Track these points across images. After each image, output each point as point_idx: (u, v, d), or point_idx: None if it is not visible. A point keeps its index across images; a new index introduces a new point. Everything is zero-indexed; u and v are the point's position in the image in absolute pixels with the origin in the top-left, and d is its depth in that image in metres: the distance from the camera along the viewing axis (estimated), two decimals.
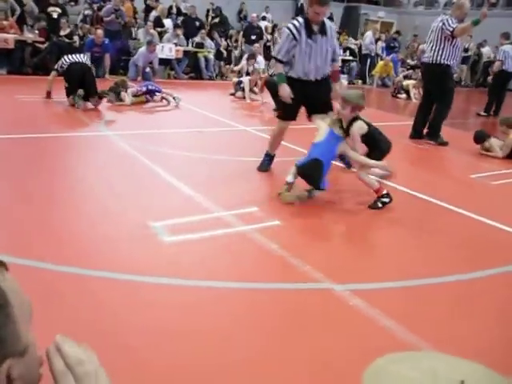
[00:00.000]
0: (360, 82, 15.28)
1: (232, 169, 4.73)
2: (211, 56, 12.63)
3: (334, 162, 4.15)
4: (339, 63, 4.59)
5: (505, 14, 16.79)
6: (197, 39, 12.64)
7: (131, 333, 2.06)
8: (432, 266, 2.99)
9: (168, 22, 12.94)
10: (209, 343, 2.04)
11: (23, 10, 10.72)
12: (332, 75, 4.55)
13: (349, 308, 2.40)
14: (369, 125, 3.99)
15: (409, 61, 15.50)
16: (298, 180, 3.90)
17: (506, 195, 4.63)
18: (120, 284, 2.47)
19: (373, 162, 3.94)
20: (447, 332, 2.28)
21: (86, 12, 12.19)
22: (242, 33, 14.22)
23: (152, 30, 11.96)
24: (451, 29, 6.20)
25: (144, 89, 8.02)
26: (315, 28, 4.22)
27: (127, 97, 7.72)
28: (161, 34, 12.24)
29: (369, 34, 15.37)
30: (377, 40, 15.64)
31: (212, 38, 13.26)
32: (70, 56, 7.22)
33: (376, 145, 4.01)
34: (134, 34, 12.54)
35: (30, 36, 10.34)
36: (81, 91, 6.95)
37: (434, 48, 6.44)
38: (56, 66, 7.24)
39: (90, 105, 7.13)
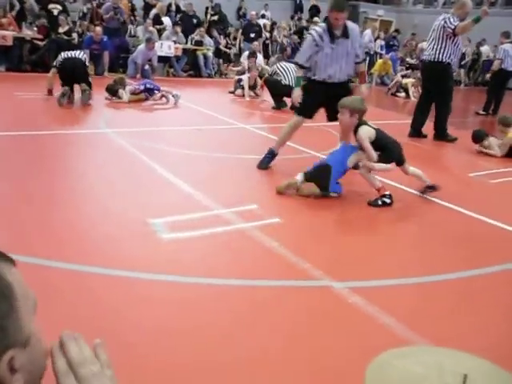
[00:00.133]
0: (357, 80, 15.26)
1: (231, 166, 4.73)
2: (210, 54, 12.61)
3: None
4: (363, 66, 4.72)
5: (504, 13, 16.80)
6: (196, 37, 12.62)
7: (130, 330, 2.06)
8: (431, 263, 3.00)
9: (167, 20, 12.92)
10: (208, 340, 2.04)
11: (23, 6, 10.69)
12: (359, 77, 4.70)
13: (348, 305, 2.41)
14: (375, 128, 3.93)
15: (408, 59, 15.51)
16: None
17: (504, 193, 4.65)
18: (119, 281, 2.47)
19: (383, 166, 3.92)
20: (447, 329, 2.29)
21: (85, 9, 12.16)
22: (240, 31, 14.21)
23: (151, 28, 11.94)
24: (453, 26, 6.22)
25: (142, 87, 8.00)
26: (337, 32, 4.31)
27: (125, 94, 7.71)
28: (160, 32, 12.22)
29: (368, 33, 15.35)
30: (376, 38, 15.64)
31: (211, 36, 13.24)
32: (65, 53, 7.24)
33: (385, 147, 3.93)
34: (132, 32, 12.52)
35: (28, 33, 10.32)
36: (65, 89, 6.93)
37: (435, 46, 6.46)
38: (54, 63, 7.24)
39: (81, 102, 7.04)
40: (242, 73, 10.60)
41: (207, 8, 14.73)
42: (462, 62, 15.45)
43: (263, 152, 4.80)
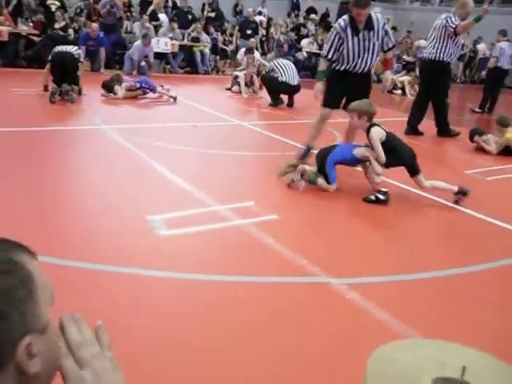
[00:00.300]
0: None
1: (228, 163, 4.73)
2: (207, 50, 12.58)
3: None
4: (390, 53, 4.81)
5: (501, 12, 16.82)
6: (192, 33, 12.59)
7: (127, 327, 2.06)
8: (427, 259, 3.01)
9: (163, 16, 12.88)
10: (206, 337, 2.05)
11: (21, 2, 10.64)
12: (385, 63, 4.84)
13: (345, 301, 2.42)
14: (387, 131, 3.99)
15: (404, 57, 15.51)
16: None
17: (499, 191, 4.67)
18: (118, 277, 2.47)
19: (378, 168, 3.92)
20: (445, 325, 2.30)
21: (83, 5, 12.11)
22: (237, 27, 14.17)
23: (148, 24, 11.90)
24: (454, 26, 6.30)
25: (138, 85, 7.97)
26: (360, 25, 4.40)
27: (120, 90, 7.68)
28: (156, 28, 12.18)
29: None
30: None
31: (208, 33, 13.20)
32: (59, 47, 7.23)
33: (394, 149, 3.95)
34: (128, 28, 12.48)
35: (24, 28, 10.26)
36: (55, 88, 6.90)
37: (436, 45, 6.53)
38: (49, 58, 7.22)
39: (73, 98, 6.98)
40: (243, 70, 10.59)
41: (204, 4, 14.69)
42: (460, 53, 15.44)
43: (260, 149, 4.80)
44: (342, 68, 4.58)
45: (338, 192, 4.10)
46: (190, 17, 13.19)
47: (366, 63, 4.54)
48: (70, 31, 10.86)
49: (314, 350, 2.04)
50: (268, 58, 11.84)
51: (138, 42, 10.82)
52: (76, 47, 7.67)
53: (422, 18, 16.80)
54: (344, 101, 4.71)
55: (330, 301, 2.43)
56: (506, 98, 12.23)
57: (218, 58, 13.31)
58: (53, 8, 10.88)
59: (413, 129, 6.95)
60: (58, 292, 0.73)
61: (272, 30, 15.05)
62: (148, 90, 8.03)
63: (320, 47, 14.88)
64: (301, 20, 16.37)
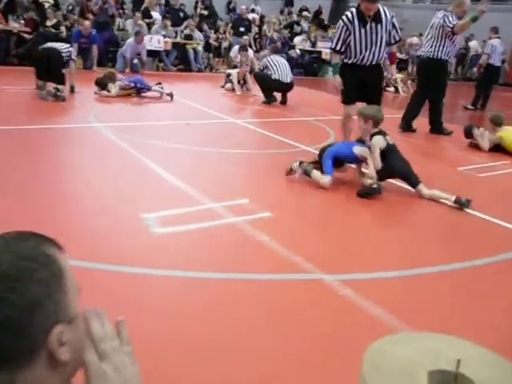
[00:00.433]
0: None
1: (222, 161, 4.73)
2: (200, 48, 12.56)
3: None
4: (395, 47, 4.90)
5: (492, 9, 16.89)
6: (185, 31, 12.55)
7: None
8: (420, 256, 3.03)
9: (156, 14, 12.83)
10: (200, 337, 2.06)
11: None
12: (389, 57, 4.88)
13: (339, 297, 2.43)
14: (390, 143, 4.13)
15: (397, 54, 15.56)
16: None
17: (491, 187, 4.70)
18: (113, 275, 2.47)
19: (372, 172, 4.03)
20: (438, 320, 2.32)
21: (75, 2, 12.05)
22: (230, 25, 14.15)
23: (140, 21, 11.85)
24: (451, 25, 6.35)
25: (132, 85, 7.94)
26: (368, 18, 4.44)
27: (113, 88, 7.65)
28: (149, 26, 12.14)
29: None
30: None
31: (201, 30, 13.17)
32: (48, 44, 7.20)
33: (389, 160, 4.07)
34: (121, 25, 12.42)
35: (15, 26, 10.19)
36: (39, 83, 6.91)
37: (434, 44, 6.58)
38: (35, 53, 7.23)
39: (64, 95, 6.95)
40: (235, 67, 10.58)
41: (197, 2, 14.66)
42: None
43: (254, 146, 4.81)
44: (350, 61, 4.66)
45: (332, 189, 4.12)
46: (181, 14, 13.15)
47: (373, 56, 4.59)
48: (63, 29, 10.80)
49: (307, 344, 2.05)
50: (261, 56, 11.82)
51: (131, 40, 10.78)
52: (67, 45, 7.63)
53: (415, 16, 16.88)
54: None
55: (323, 297, 2.44)
56: (498, 94, 12.31)
57: (211, 55, 13.29)
58: (46, 5, 10.82)
59: (407, 125, 6.99)
60: None
61: (265, 27, 15.04)
62: (144, 91, 8.00)
63: (313, 45, 14.90)
64: (294, 17, 16.36)
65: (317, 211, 3.73)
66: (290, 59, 11.51)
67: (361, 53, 4.56)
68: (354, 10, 4.54)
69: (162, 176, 4.06)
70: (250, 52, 11.53)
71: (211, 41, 13.37)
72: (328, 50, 14.67)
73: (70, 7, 12.08)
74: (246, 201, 3.63)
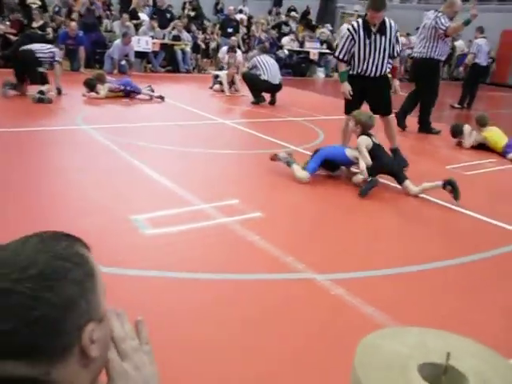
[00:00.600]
0: (337, 74, 15.36)
1: (212, 162, 4.73)
2: (188, 49, 12.52)
3: None
4: (397, 61, 4.95)
5: (478, 9, 17.06)
6: (173, 32, 12.51)
7: None
8: (410, 254, 3.06)
9: (144, 15, 12.78)
10: (194, 337, 2.05)
11: (1, 1, 10.47)
12: (392, 70, 4.89)
13: (331, 297, 2.44)
14: (376, 143, 4.31)
15: None
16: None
17: (479, 185, 4.76)
18: (104, 277, 2.45)
19: (363, 168, 4.14)
20: (429, 317, 2.34)
21: (61, 3, 11.96)
22: (218, 25, 14.13)
23: (128, 23, 11.79)
24: (444, 28, 6.47)
25: (122, 87, 7.89)
26: (373, 28, 4.52)
27: (102, 90, 7.61)
28: (136, 27, 12.08)
29: (345, 27, 15.42)
30: None
31: (189, 31, 13.14)
32: (30, 45, 7.17)
33: (377, 157, 4.24)
34: (108, 27, 12.35)
35: (1, 27, 10.09)
36: (8, 80, 6.96)
37: (426, 44, 6.69)
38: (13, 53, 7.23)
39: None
40: (222, 69, 10.57)
41: (185, 3, 14.62)
42: None
43: (243, 147, 4.81)
44: (355, 72, 4.74)
45: (322, 189, 4.14)
46: (168, 15, 13.10)
47: (376, 67, 4.66)
48: (49, 30, 10.71)
49: (300, 343, 2.06)
50: (250, 56, 11.83)
51: (118, 41, 10.72)
52: (49, 46, 7.55)
53: (402, 16, 16.95)
54: (369, 107, 4.92)
55: (315, 296, 2.45)
56: (485, 94, 12.45)
57: (199, 56, 13.26)
58: (33, 7, 10.73)
59: (401, 122, 7.06)
60: None
61: (253, 28, 15.04)
62: (134, 93, 7.95)
63: (301, 45, 14.94)
64: (282, 18, 16.39)
65: (307, 211, 3.74)
66: (278, 59, 11.52)
67: (364, 62, 4.64)
68: (360, 20, 4.64)
69: (152, 177, 4.05)
70: (239, 53, 11.53)
71: (199, 42, 13.34)
72: (316, 51, 14.77)
73: (57, 8, 11.98)
74: (237, 201, 3.64)
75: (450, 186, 3.97)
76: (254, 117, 7.46)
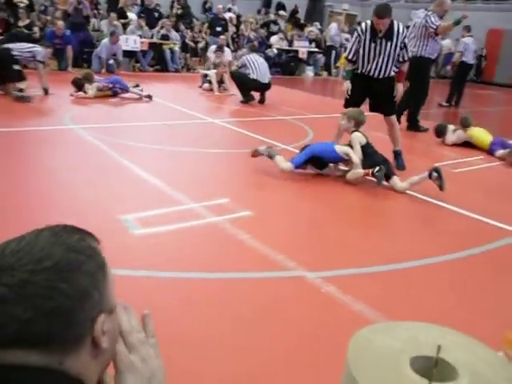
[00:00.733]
0: (325, 73, 15.42)
1: (201, 161, 4.72)
2: (177, 48, 12.48)
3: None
4: (406, 65, 4.91)
5: (465, 8, 17.23)
6: (162, 31, 12.46)
7: None
8: (400, 251, 3.08)
9: (132, 14, 12.70)
10: (185, 336, 2.05)
11: None
12: (397, 75, 4.88)
13: (321, 294, 2.45)
14: (367, 139, 4.43)
15: None
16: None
17: (465, 182, 4.81)
18: None
19: (358, 164, 4.22)
20: (419, 313, 2.36)
21: (46, 2, 11.84)
22: (206, 24, 14.09)
23: (115, 22, 11.72)
24: (434, 27, 6.55)
25: (110, 85, 7.84)
26: (380, 33, 4.56)
27: (90, 89, 7.55)
28: (124, 26, 12.01)
29: (334, 26, 15.47)
30: (341, 32, 15.79)
31: (177, 30, 13.09)
32: (11, 44, 7.10)
33: (368, 153, 4.34)
34: (96, 26, 12.26)
35: None
36: (14, 93, 6.83)
37: (417, 43, 6.75)
38: None
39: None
40: (209, 68, 10.54)
41: (173, 2, 14.56)
42: None
43: (232, 146, 4.81)
44: (359, 71, 4.80)
45: (311, 187, 4.15)
46: (156, 14, 13.04)
47: (380, 69, 4.70)
48: (36, 29, 10.60)
49: (291, 341, 2.06)
50: (239, 55, 11.82)
51: (106, 40, 10.65)
52: (30, 45, 7.45)
53: None
54: (369, 104, 5.01)
55: (306, 294, 2.46)
56: (473, 92, 12.57)
57: (188, 55, 13.22)
58: (21, 5, 10.61)
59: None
60: None
61: (242, 26, 15.03)
62: (120, 91, 7.90)
63: (290, 43, 14.96)
64: (271, 17, 16.40)
65: (297, 209, 3.75)
66: (267, 58, 11.52)
67: (368, 64, 4.69)
68: (368, 22, 4.66)
69: (142, 177, 4.03)
70: (227, 52, 11.50)
71: (187, 41, 13.30)
72: (305, 50, 14.81)
73: (43, 7, 11.86)
74: (226, 200, 3.63)
75: (436, 173, 4.00)
76: (244, 116, 7.46)
